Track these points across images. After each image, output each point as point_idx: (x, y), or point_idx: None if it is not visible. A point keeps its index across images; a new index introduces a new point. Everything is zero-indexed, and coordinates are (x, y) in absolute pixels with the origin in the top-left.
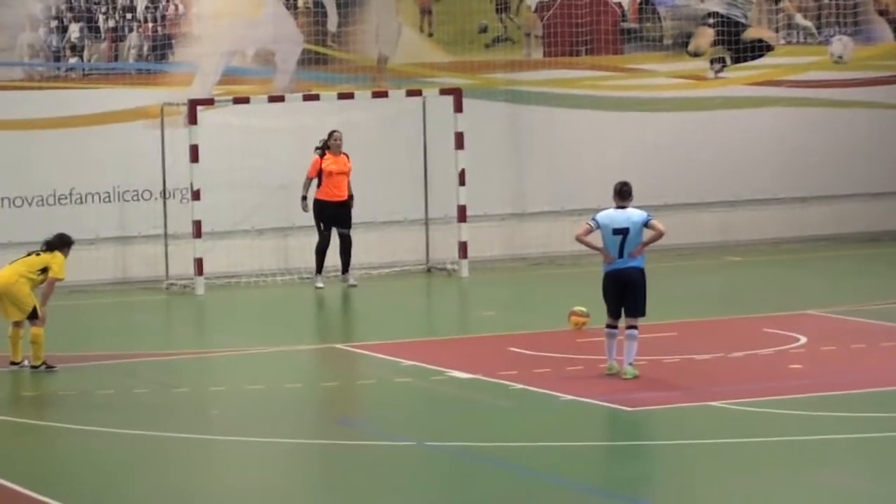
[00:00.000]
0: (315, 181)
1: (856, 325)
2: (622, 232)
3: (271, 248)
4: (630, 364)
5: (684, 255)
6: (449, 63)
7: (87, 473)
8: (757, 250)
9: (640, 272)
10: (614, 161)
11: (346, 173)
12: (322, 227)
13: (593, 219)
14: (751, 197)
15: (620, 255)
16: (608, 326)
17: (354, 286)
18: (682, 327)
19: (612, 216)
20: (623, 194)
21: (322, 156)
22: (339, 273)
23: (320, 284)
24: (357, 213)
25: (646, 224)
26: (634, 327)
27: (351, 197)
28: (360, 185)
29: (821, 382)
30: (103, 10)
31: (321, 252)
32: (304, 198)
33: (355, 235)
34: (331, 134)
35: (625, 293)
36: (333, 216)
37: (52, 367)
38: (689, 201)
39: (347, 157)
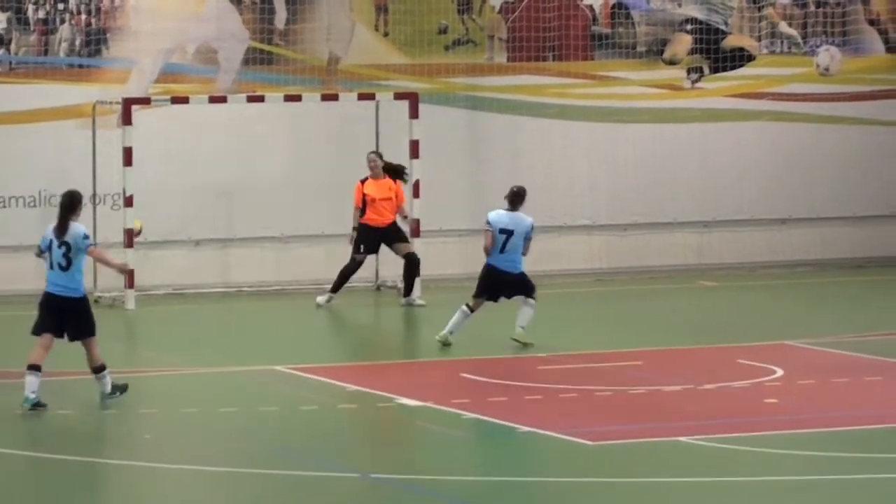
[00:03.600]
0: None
1: (837, 357)
2: (507, 233)
3: (210, 260)
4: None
5: (655, 277)
6: (405, 65)
7: (2, 500)
8: (733, 275)
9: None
10: (581, 175)
11: (391, 199)
12: (361, 250)
13: (487, 221)
14: (728, 217)
15: (501, 252)
16: (468, 306)
17: (422, 305)
18: (650, 356)
19: (501, 216)
20: (513, 202)
21: (364, 181)
22: (402, 295)
23: (321, 301)
24: (305, 226)
25: (526, 237)
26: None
27: (404, 217)
28: (308, 195)
29: (798, 419)
30: None
31: (344, 275)
32: (355, 228)
33: (299, 249)
34: (368, 157)
35: (501, 291)
36: (379, 239)
37: None
38: (661, 220)
39: (394, 180)
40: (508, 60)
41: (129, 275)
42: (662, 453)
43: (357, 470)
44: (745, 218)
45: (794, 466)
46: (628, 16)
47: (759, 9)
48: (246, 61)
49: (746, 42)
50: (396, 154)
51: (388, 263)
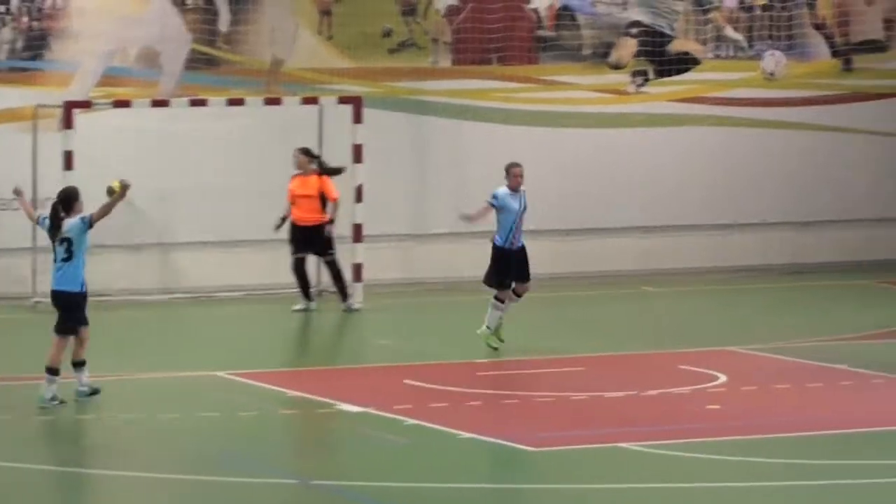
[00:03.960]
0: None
1: (780, 363)
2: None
3: (150, 265)
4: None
5: (597, 283)
6: (349, 69)
7: None
8: (676, 280)
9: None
10: (526, 180)
11: (312, 196)
12: (292, 250)
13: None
14: (671, 223)
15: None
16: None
17: (356, 310)
18: (592, 362)
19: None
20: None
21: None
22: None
23: (296, 307)
24: (246, 231)
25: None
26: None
27: (328, 221)
28: (251, 200)
29: (740, 425)
30: None
31: (300, 277)
32: (281, 218)
33: (241, 254)
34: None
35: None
36: (304, 241)
37: None
38: (604, 225)
39: (320, 176)
40: (453, 64)
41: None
42: (604, 460)
43: (297, 476)
44: (689, 223)
45: (737, 473)
46: (573, 19)
47: (705, 13)
48: (189, 64)
49: (692, 46)
50: (340, 158)
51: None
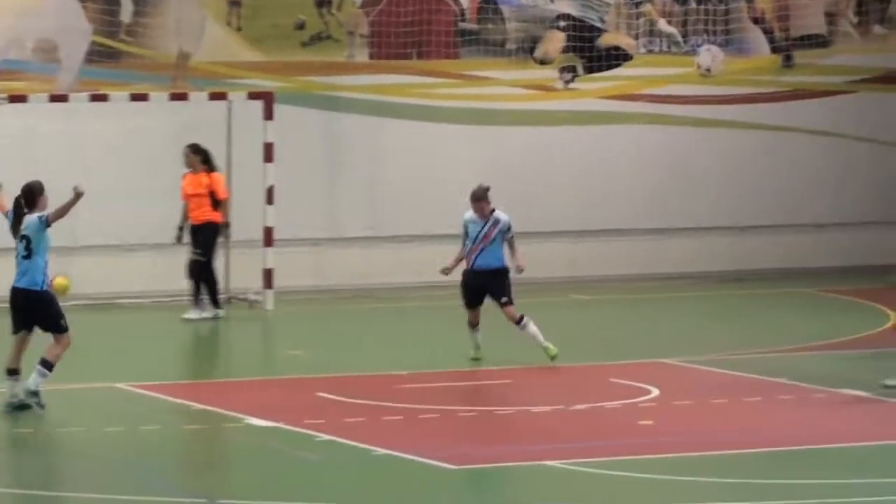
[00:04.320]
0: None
1: (716, 376)
2: None
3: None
4: None
5: (523, 291)
6: (259, 63)
7: None
8: (607, 288)
9: None
10: (447, 181)
11: (201, 195)
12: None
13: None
14: (602, 227)
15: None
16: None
17: (217, 318)
18: (518, 374)
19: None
20: None
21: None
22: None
23: (187, 316)
24: (148, 233)
25: None
26: None
27: (223, 224)
28: (154, 200)
29: (673, 442)
30: None
31: (206, 284)
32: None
33: (143, 258)
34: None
35: None
36: (193, 240)
37: None
38: (531, 230)
39: (209, 173)
40: (370, 58)
41: None
42: (530, 478)
43: (203, 495)
44: (621, 227)
45: (669, 493)
46: (497, 11)
47: (637, 5)
48: (89, 58)
49: (623, 40)
50: (249, 158)
51: (238, 273)
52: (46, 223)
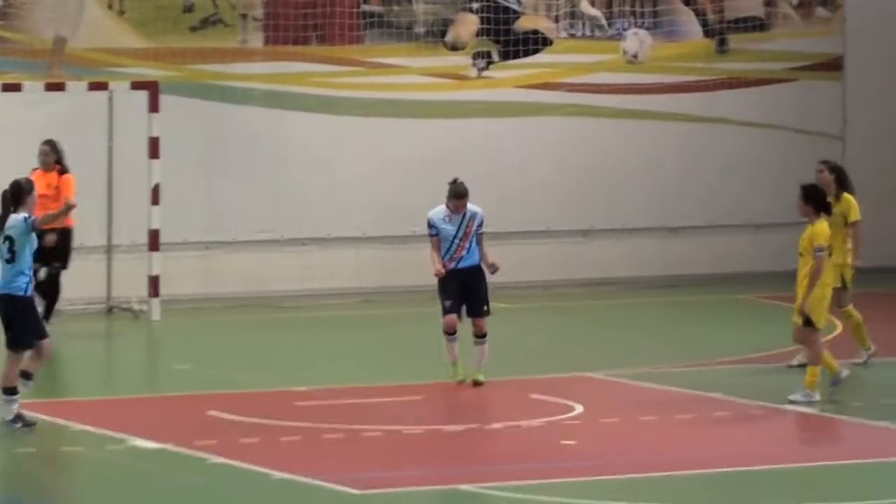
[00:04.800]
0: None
1: (645, 392)
2: None
3: None
4: None
5: (434, 298)
6: (144, 49)
7: None
8: (526, 295)
9: None
10: (351, 178)
11: (49, 196)
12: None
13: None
14: (521, 228)
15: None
16: None
17: None
18: (429, 390)
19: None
20: None
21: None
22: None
23: None
24: None
25: None
26: None
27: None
28: None
29: (599, 463)
30: None
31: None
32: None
33: None
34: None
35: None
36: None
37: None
38: None
39: (61, 174)
40: (265, 44)
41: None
42: (440, 503)
43: None
44: (541, 229)
45: None
46: None
47: None
48: None
49: (542, 24)
50: (133, 154)
51: (121, 280)
52: (32, 226)
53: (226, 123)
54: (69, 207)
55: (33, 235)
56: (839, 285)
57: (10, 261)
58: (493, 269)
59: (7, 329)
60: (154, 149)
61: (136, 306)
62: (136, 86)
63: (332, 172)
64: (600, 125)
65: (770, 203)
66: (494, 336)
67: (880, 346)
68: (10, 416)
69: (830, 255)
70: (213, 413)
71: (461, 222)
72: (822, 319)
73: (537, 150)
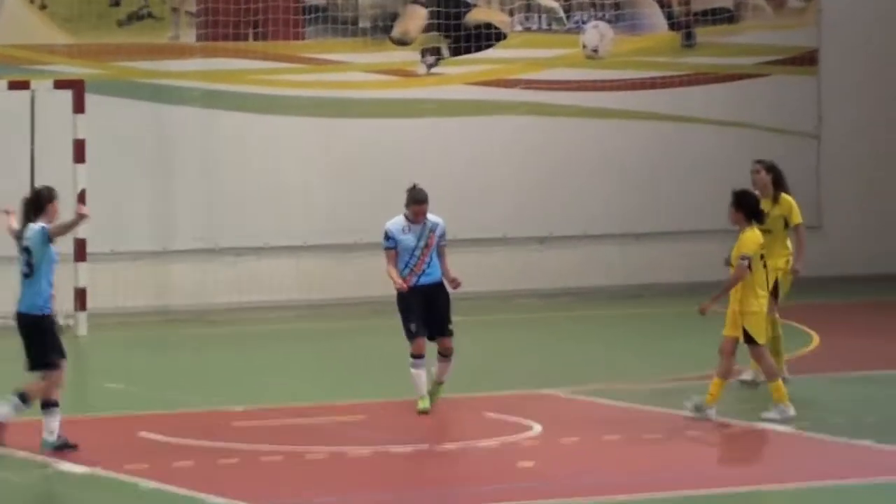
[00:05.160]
0: None
1: (609, 410)
2: None
3: None
4: None
5: (382, 310)
6: (68, 46)
7: None
8: (480, 306)
9: None
10: (291, 183)
11: None
12: None
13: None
14: (474, 235)
15: None
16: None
17: None
18: (375, 409)
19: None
20: None
21: None
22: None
23: None
24: None
25: None
26: None
27: None
28: None
29: (560, 486)
30: None
31: None
32: None
33: None
34: None
35: None
36: None
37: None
38: None
39: None
40: (199, 40)
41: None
42: None
43: None
44: (496, 236)
45: None
46: None
47: None
48: None
49: (495, 17)
50: (56, 157)
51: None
52: (47, 237)
53: (156, 125)
54: (81, 217)
55: (51, 248)
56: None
57: (29, 275)
58: (455, 284)
59: (28, 350)
60: (79, 152)
61: (62, 320)
62: (60, 85)
63: (270, 177)
64: (558, 125)
65: None
66: None
67: (858, 357)
68: (53, 438)
69: (765, 265)
70: (144, 435)
71: (421, 233)
72: (763, 334)
73: (491, 152)
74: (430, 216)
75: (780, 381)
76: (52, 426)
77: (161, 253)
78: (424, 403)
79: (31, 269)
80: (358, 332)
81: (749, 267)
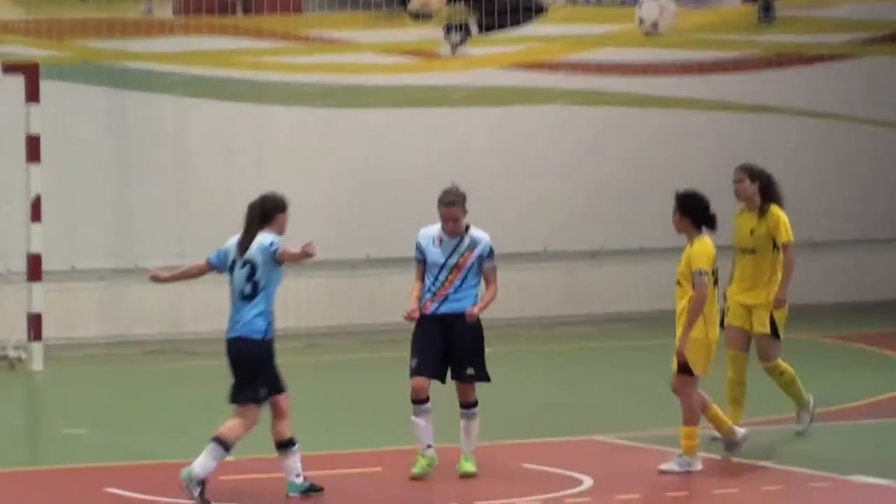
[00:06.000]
0: None
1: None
2: None
3: None
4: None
5: (398, 339)
6: (20, 23)
7: None
8: (513, 334)
9: None
10: (287, 185)
11: None
12: None
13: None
14: (513, 249)
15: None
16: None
17: None
18: (392, 459)
19: None
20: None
21: None
22: None
23: None
24: None
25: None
26: None
27: None
28: None
29: None
30: None
31: None
32: None
33: None
34: None
35: None
36: None
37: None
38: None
39: None
40: (175, 14)
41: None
42: None
43: None
44: (535, 250)
45: None
46: None
47: None
48: None
49: None
50: (7, 155)
51: None
52: (273, 255)
53: (126, 116)
54: (308, 256)
55: (280, 268)
56: (766, 331)
57: (251, 296)
58: (470, 316)
59: (236, 378)
60: (34, 150)
61: (12, 352)
62: (9, 68)
63: (261, 179)
64: (609, 117)
65: (832, 213)
66: None
67: None
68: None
69: (716, 282)
70: (112, 490)
71: (455, 248)
72: (702, 365)
73: (528, 150)
74: (475, 231)
75: (695, 429)
76: (295, 466)
77: (130, 272)
78: (418, 466)
79: (255, 288)
80: (370, 366)
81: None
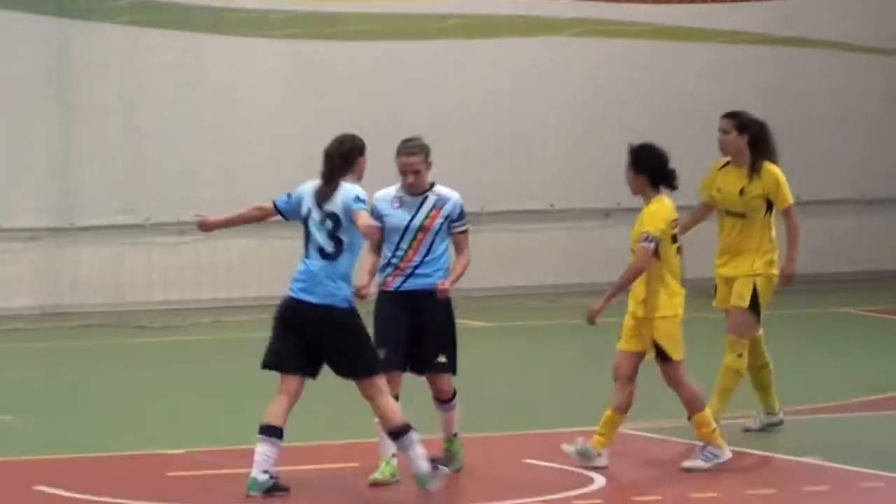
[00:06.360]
0: None
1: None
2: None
3: None
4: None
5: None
6: None
7: None
8: (514, 305)
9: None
10: (253, 133)
11: None
12: None
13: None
14: (508, 207)
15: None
16: None
17: None
18: (372, 452)
19: None
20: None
21: None
22: None
23: None
24: None
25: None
26: None
27: None
28: None
29: None
30: None
31: None
32: None
33: None
34: None
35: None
36: None
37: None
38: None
39: None
40: None
41: None
42: None
43: None
44: (539, 208)
45: None
46: None
47: None
48: None
49: None
50: None
51: None
52: (355, 216)
53: (62, 50)
54: (372, 234)
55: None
56: (744, 304)
57: (333, 255)
58: (442, 292)
59: (342, 357)
60: None
61: None
62: None
63: (223, 124)
64: (624, 51)
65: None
66: (467, 369)
67: None
68: (423, 467)
69: (680, 250)
70: (41, 489)
71: (418, 208)
72: (680, 348)
73: (531, 89)
74: (441, 188)
75: (706, 415)
76: (417, 455)
77: (66, 230)
78: (379, 472)
79: (339, 246)
80: None
81: (656, 252)
